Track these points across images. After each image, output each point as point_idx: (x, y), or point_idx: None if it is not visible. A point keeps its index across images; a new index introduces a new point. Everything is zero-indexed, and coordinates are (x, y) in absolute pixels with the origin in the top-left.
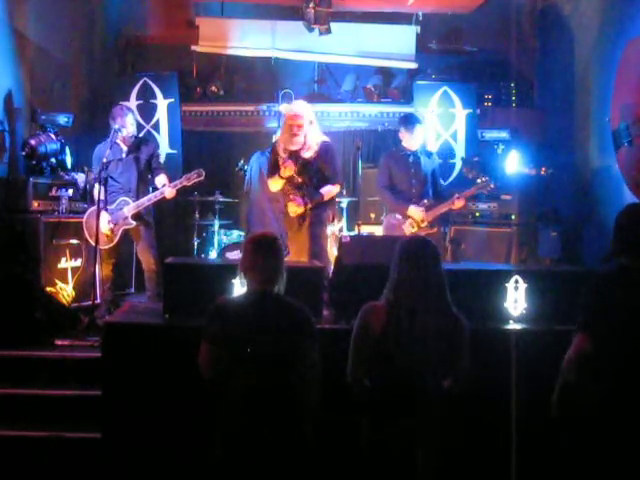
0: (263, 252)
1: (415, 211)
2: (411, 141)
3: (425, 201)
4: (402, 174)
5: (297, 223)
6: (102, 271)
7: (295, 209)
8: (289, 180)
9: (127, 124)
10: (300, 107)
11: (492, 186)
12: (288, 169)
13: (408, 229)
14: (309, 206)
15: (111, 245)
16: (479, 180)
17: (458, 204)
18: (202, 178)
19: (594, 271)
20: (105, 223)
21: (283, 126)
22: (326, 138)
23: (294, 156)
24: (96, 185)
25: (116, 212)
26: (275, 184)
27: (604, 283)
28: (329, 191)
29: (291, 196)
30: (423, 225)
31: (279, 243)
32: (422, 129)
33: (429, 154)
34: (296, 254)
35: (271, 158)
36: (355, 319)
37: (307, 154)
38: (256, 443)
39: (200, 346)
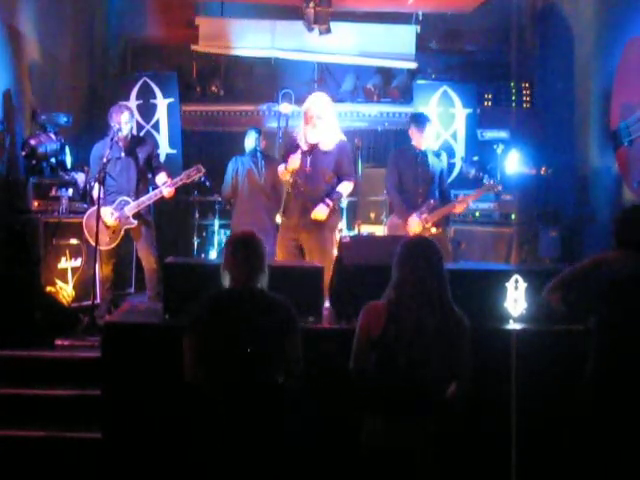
0: (241, 249)
1: (414, 222)
2: (420, 140)
3: (431, 201)
4: (409, 173)
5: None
6: (102, 271)
7: (320, 214)
8: (297, 172)
9: (124, 123)
10: (321, 99)
11: (499, 188)
12: (293, 162)
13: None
14: (331, 206)
15: (112, 246)
16: (486, 182)
17: (459, 208)
18: (202, 173)
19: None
20: (109, 216)
21: (304, 118)
22: (344, 137)
23: (314, 148)
24: (95, 185)
25: (117, 211)
26: (284, 175)
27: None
28: (346, 188)
29: (309, 204)
30: (427, 226)
31: (257, 240)
32: (432, 128)
33: (438, 154)
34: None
35: (286, 148)
36: (355, 319)
37: (326, 147)
38: (239, 439)
39: (182, 344)
